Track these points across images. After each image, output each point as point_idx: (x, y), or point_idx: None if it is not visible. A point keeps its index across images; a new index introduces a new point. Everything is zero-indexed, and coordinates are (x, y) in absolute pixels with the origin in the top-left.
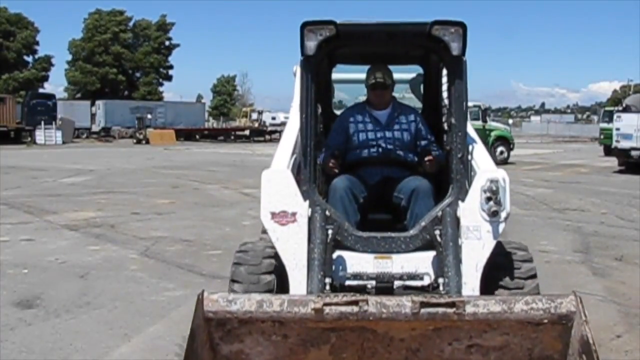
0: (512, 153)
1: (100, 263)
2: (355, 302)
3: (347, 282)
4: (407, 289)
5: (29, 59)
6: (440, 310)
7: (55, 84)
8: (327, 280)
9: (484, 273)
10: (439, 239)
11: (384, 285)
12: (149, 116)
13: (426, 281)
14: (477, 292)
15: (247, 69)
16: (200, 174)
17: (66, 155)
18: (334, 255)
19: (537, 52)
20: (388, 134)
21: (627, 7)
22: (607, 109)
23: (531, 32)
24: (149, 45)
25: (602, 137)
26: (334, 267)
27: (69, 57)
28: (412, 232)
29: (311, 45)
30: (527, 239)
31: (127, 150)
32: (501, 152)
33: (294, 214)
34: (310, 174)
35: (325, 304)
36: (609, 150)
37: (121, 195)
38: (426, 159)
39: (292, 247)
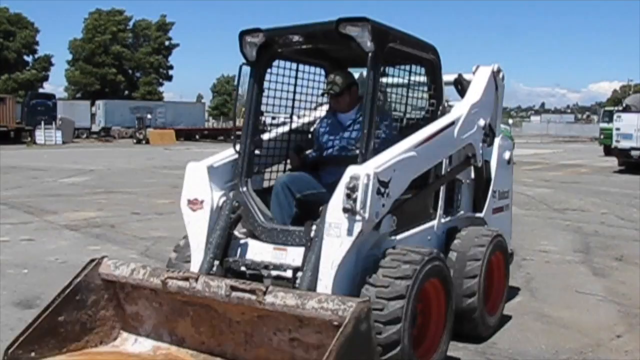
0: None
1: None
2: (187, 279)
3: (239, 268)
4: (278, 279)
5: (29, 59)
6: (246, 296)
7: (55, 84)
8: (216, 262)
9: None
10: (312, 234)
11: (254, 273)
12: (149, 116)
13: (289, 274)
14: (329, 290)
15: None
16: None
17: (66, 155)
18: (243, 242)
19: (537, 52)
20: (346, 136)
21: (627, 7)
22: (607, 109)
23: (531, 32)
24: (149, 45)
25: (602, 137)
26: (239, 253)
27: (69, 57)
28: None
29: (249, 52)
30: (527, 239)
31: (127, 150)
32: None
33: (202, 202)
34: (242, 169)
35: (168, 278)
36: (609, 150)
37: (121, 195)
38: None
39: (196, 231)
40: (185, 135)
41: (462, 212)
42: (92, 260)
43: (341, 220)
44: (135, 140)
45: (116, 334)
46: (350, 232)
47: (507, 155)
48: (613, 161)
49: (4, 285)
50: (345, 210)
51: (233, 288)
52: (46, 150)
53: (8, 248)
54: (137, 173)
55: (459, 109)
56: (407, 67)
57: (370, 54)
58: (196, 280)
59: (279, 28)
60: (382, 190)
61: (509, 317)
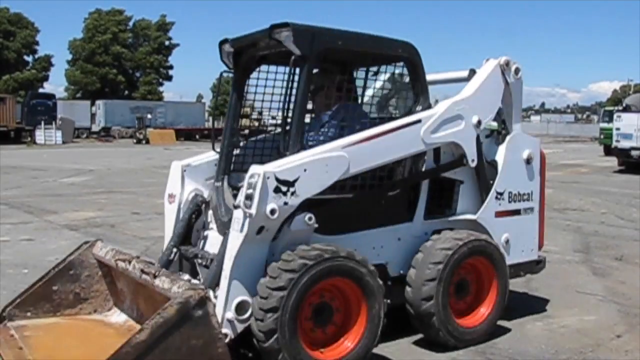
0: None
1: None
2: (123, 260)
3: (186, 256)
4: (207, 267)
5: (29, 59)
6: (148, 277)
7: (55, 84)
8: (174, 250)
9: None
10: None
11: (191, 261)
12: (149, 116)
13: (207, 262)
14: (227, 280)
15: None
16: None
17: (66, 155)
18: (206, 234)
19: (537, 52)
20: (320, 134)
21: (627, 7)
22: (607, 108)
23: (531, 32)
24: (149, 45)
25: (602, 136)
26: (200, 243)
27: (69, 57)
28: None
29: (227, 59)
30: None
31: (127, 150)
32: None
33: (174, 196)
34: (220, 166)
35: (117, 259)
36: (609, 150)
37: (121, 195)
38: None
39: (169, 222)
40: (185, 135)
41: (465, 214)
42: (86, 242)
43: (240, 216)
44: (135, 140)
45: (110, 305)
46: (242, 227)
47: (525, 153)
48: (613, 161)
49: (4, 285)
50: (235, 206)
51: (142, 271)
52: (46, 150)
53: (8, 248)
54: (137, 173)
55: (437, 107)
56: (387, 68)
57: (293, 57)
58: (129, 262)
59: (239, 37)
60: (284, 188)
61: (509, 317)
